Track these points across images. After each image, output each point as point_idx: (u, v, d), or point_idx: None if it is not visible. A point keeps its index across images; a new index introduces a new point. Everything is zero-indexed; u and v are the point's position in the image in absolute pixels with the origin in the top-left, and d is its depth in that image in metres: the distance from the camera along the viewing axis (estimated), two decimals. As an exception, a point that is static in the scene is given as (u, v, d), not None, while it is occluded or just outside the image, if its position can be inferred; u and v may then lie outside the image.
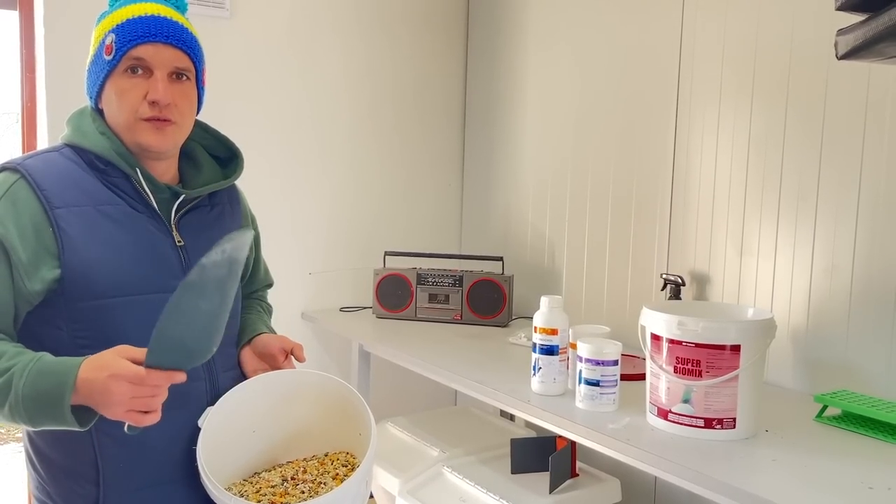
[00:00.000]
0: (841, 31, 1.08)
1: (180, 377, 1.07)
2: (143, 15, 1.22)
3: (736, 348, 1.50)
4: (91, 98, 1.28)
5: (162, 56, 1.22)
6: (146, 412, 1.07)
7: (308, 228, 2.78)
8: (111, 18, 1.24)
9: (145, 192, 1.25)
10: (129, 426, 1.08)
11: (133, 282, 1.21)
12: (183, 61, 1.25)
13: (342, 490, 1.19)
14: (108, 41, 1.22)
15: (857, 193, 1.77)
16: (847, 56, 1.08)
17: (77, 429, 1.09)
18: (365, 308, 2.81)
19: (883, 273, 1.73)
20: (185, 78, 1.26)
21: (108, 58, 1.22)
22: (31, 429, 1.21)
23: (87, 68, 1.29)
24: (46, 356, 1.11)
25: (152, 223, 1.26)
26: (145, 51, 1.21)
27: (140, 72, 1.22)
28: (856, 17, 1.05)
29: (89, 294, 1.18)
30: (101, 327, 1.19)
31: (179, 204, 1.29)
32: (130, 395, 1.05)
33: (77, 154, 1.24)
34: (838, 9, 1.06)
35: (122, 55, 1.21)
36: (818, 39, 1.83)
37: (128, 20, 1.22)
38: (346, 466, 1.30)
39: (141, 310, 1.21)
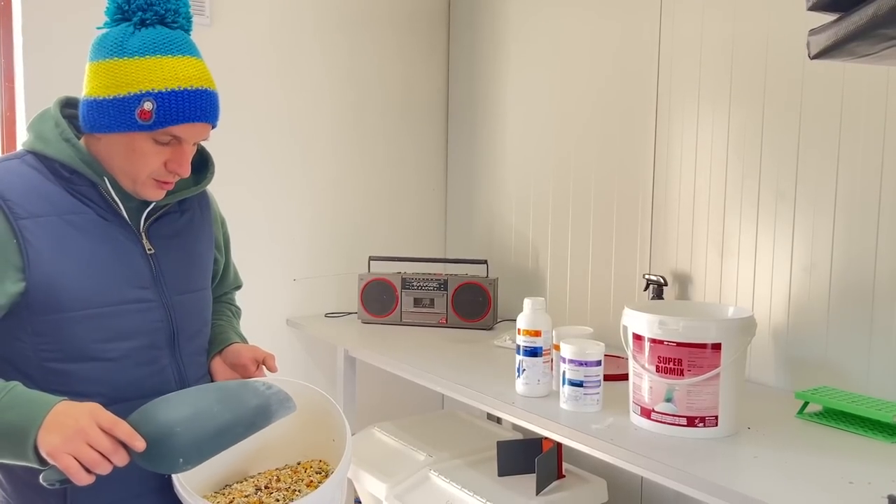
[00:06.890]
0: (813, 31, 1.08)
1: (140, 445, 1.05)
2: (188, 88, 1.16)
3: (717, 346, 1.51)
4: (89, 131, 1.21)
5: (196, 131, 1.20)
6: (87, 470, 1.02)
7: (292, 235, 2.78)
8: (147, 74, 1.15)
9: (114, 200, 1.22)
10: (46, 475, 1.03)
11: (101, 294, 1.18)
12: (209, 131, 1.23)
13: (318, 494, 1.17)
14: (146, 106, 1.14)
15: (833, 192, 1.79)
16: (819, 56, 1.08)
17: (36, 466, 1.05)
18: (350, 314, 2.81)
19: (861, 270, 1.74)
20: None
21: (143, 122, 1.15)
22: None
23: (95, 101, 1.17)
24: (19, 387, 1.08)
25: (121, 232, 1.23)
26: (184, 130, 1.18)
27: (168, 140, 1.19)
28: (828, 17, 1.06)
29: (55, 307, 1.14)
30: (67, 340, 1.15)
31: (149, 211, 1.27)
32: (91, 437, 1.02)
33: (40, 161, 1.19)
34: (810, 9, 1.07)
35: (160, 129, 1.16)
36: (793, 40, 1.85)
37: (172, 92, 1.15)
38: (320, 473, 1.29)
39: (109, 322, 1.18)
